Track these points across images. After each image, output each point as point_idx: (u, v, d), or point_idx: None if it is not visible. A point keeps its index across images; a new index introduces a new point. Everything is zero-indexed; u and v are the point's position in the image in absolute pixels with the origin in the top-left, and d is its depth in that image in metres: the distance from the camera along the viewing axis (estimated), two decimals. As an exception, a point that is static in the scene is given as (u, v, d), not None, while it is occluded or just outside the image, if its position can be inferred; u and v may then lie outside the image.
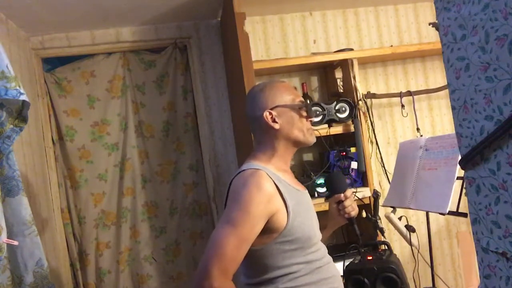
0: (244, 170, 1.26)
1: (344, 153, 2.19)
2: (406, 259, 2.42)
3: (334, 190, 1.40)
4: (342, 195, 1.38)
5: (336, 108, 2.20)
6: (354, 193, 1.51)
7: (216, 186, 2.56)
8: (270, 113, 1.34)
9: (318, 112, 2.00)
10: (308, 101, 2.37)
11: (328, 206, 1.50)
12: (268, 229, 1.20)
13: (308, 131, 1.34)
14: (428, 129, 2.65)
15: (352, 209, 1.38)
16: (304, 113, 1.34)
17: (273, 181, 1.22)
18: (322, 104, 2.18)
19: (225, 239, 1.12)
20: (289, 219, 1.21)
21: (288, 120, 1.33)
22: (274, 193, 1.21)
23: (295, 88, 1.38)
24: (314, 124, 2.17)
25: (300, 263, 1.23)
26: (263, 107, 1.34)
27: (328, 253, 1.44)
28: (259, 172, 1.22)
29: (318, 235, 1.32)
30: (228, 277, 1.12)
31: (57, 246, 2.36)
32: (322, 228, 1.45)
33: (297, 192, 1.30)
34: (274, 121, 1.33)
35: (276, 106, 1.34)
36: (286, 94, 1.36)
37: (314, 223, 1.32)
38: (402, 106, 2.44)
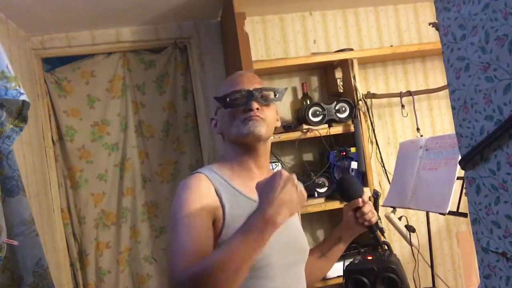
0: (193, 173, 1.15)
1: (344, 153, 2.19)
2: (406, 259, 2.42)
3: (349, 195, 1.23)
4: (360, 200, 1.21)
5: (336, 108, 2.20)
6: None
7: (216, 186, 2.56)
8: (212, 119, 1.23)
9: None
10: (308, 102, 2.37)
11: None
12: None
13: (243, 122, 1.11)
14: (428, 129, 2.65)
15: (372, 215, 1.21)
16: (237, 104, 1.12)
17: (214, 185, 1.08)
18: (322, 104, 2.18)
19: (179, 239, 0.98)
20: (222, 230, 1.04)
21: (222, 120, 1.18)
22: (209, 195, 1.06)
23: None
24: (314, 124, 2.17)
25: None
26: (212, 114, 1.25)
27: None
28: (195, 176, 1.11)
29: (275, 259, 1.07)
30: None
31: (57, 246, 2.36)
32: (336, 240, 1.28)
33: (249, 201, 1.08)
34: (216, 126, 1.21)
35: (216, 109, 1.21)
36: (222, 89, 1.19)
37: (271, 242, 0.96)
38: (402, 106, 2.44)
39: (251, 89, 1.13)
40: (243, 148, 1.15)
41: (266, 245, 0.92)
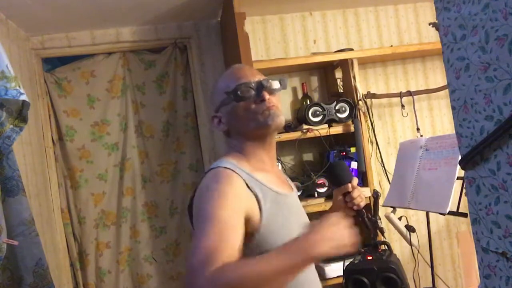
0: (213, 168, 1.09)
1: (344, 153, 2.19)
2: (406, 259, 2.42)
3: (339, 181, 1.25)
4: (349, 185, 1.22)
5: (336, 108, 2.20)
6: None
7: (216, 186, 2.56)
8: (214, 117, 1.18)
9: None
10: (308, 102, 2.37)
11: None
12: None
13: (263, 113, 1.09)
14: (428, 129, 2.65)
15: (361, 199, 1.23)
16: (249, 96, 1.10)
17: (245, 181, 1.05)
18: (322, 104, 2.18)
19: (208, 235, 0.90)
20: (261, 226, 1.02)
21: (231, 115, 1.13)
22: (243, 190, 1.03)
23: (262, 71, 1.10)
24: (314, 124, 2.17)
25: None
26: (212, 112, 1.20)
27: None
28: (227, 172, 1.05)
29: None
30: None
31: (57, 246, 2.36)
32: None
33: (276, 195, 1.10)
34: (220, 123, 1.17)
35: (219, 106, 1.16)
36: (224, 84, 1.15)
37: (296, 230, 1.05)
38: (402, 106, 2.44)
39: (259, 80, 1.12)
40: (256, 141, 1.14)
41: (299, 273, 0.90)
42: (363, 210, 1.25)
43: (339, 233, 0.92)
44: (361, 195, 1.24)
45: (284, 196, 1.14)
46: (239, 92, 1.10)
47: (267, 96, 1.10)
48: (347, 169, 1.29)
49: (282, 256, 0.88)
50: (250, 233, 1.02)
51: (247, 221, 1.01)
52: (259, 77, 1.15)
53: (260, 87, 1.10)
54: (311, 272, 1.16)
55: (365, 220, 1.25)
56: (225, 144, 1.22)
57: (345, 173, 1.26)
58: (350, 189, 1.22)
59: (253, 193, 1.04)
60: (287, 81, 1.21)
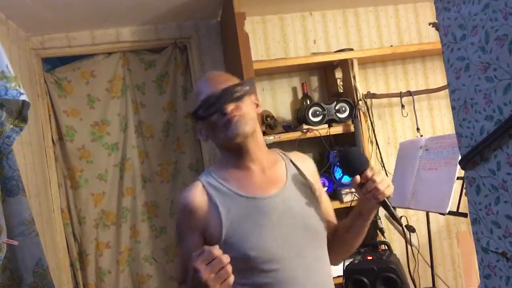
0: (195, 180, 1.19)
1: (344, 153, 2.19)
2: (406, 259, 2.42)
3: (349, 172, 1.11)
4: (358, 177, 1.08)
5: (336, 108, 2.20)
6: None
7: (216, 186, 2.56)
8: (198, 127, 1.22)
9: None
10: (308, 102, 2.37)
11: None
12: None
13: (225, 126, 1.10)
14: (428, 129, 2.65)
15: (377, 191, 1.07)
16: (211, 112, 1.12)
17: (209, 192, 1.11)
18: (322, 104, 2.18)
19: (178, 258, 1.24)
20: (222, 235, 1.07)
21: (205, 128, 1.17)
22: (202, 206, 1.10)
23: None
24: (314, 124, 2.17)
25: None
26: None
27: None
28: (194, 184, 1.15)
29: (282, 251, 1.07)
30: None
31: (57, 246, 2.36)
32: (356, 215, 1.19)
33: (246, 200, 1.10)
34: (201, 133, 1.20)
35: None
36: (194, 98, 1.19)
37: (274, 235, 1.08)
38: (402, 106, 2.44)
39: (219, 92, 1.10)
40: (233, 150, 1.14)
41: (264, 242, 1.06)
42: (386, 201, 1.09)
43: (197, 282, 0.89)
44: (379, 185, 1.07)
45: (260, 200, 1.11)
46: (199, 112, 1.13)
47: (228, 108, 1.09)
48: (358, 158, 1.11)
49: None
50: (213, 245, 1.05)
51: (207, 233, 1.11)
52: (223, 86, 1.12)
53: (220, 100, 1.09)
54: (316, 273, 1.11)
55: (391, 211, 1.11)
56: None
57: (353, 163, 1.10)
58: (357, 182, 1.09)
59: (214, 205, 1.10)
60: (253, 82, 1.17)
